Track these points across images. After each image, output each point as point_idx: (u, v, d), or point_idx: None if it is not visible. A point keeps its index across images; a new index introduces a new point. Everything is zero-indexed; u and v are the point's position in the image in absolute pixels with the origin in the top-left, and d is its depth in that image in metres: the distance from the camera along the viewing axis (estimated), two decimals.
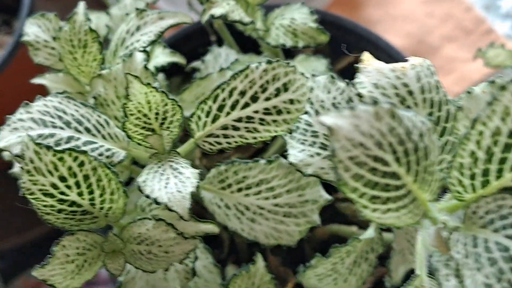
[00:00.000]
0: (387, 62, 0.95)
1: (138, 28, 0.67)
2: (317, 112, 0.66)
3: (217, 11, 0.69)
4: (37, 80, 0.68)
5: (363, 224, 0.89)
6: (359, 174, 0.44)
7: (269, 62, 0.61)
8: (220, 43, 0.95)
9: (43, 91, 1.26)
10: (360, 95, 0.52)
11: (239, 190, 0.70)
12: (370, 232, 0.74)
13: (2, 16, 1.13)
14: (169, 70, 0.96)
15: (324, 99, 0.66)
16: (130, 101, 0.60)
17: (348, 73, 0.97)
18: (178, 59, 0.73)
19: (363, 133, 0.43)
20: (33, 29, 0.70)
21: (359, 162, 0.44)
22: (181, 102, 0.75)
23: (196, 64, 0.84)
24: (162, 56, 0.71)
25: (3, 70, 1.03)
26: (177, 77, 0.97)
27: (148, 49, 0.66)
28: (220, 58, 0.80)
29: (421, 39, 1.34)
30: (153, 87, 0.60)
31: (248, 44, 0.87)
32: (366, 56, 0.53)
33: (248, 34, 0.77)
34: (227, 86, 0.61)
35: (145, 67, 0.63)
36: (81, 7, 0.66)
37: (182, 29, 0.92)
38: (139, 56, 0.63)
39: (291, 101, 0.62)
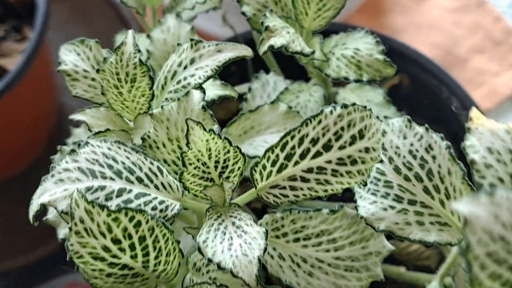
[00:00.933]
0: (437, 88, 0.89)
1: (192, 61, 0.59)
2: (391, 160, 0.59)
3: (277, 41, 0.62)
4: (77, 116, 0.60)
5: (409, 264, 0.83)
6: (497, 273, 0.37)
7: (344, 106, 0.54)
8: (256, 62, 0.88)
9: (56, 104, 1.17)
10: (473, 162, 0.45)
11: (296, 240, 0.63)
12: (434, 285, 0.68)
13: (12, 22, 1.05)
14: None
15: (399, 145, 0.59)
16: (190, 149, 0.53)
17: (390, 97, 0.90)
18: (230, 92, 0.66)
19: (504, 224, 0.37)
20: (71, 57, 0.62)
21: (498, 259, 0.37)
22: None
23: (240, 89, 0.77)
24: (212, 89, 0.64)
25: (17, 84, 0.95)
26: None
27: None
28: (268, 86, 0.73)
29: (448, 50, 1.28)
30: (216, 134, 0.53)
31: (288, 64, 0.80)
32: (476, 114, 0.46)
33: (304, 63, 0.70)
34: (297, 133, 0.55)
35: (203, 108, 0.56)
36: (130, 36, 0.59)
37: None
38: (197, 96, 0.56)
39: (367, 150, 0.55)
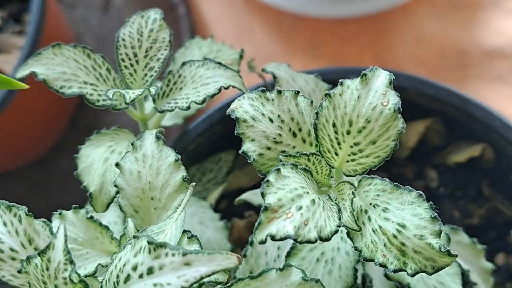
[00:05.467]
0: None
1: (150, 271, 0.41)
2: None
3: (281, 229, 0.43)
4: None
5: None
6: None
7: None
8: None
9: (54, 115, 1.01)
10: None
11: None
12: None
13: (10, 8, 0.86)
14: (217, 145, 0.71)
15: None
16: None
17: (468, 169, 0.69)
18: (217, 276, 0.48)
19: None
20: None
21: None
22: None
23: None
24: None
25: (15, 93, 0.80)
26: (228, 152, 0.71)
27: None
28: None
29: None
30: None
31: None
32: None
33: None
34: None
35: None
36: (60, 237, 0.41)
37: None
38: None
39: None
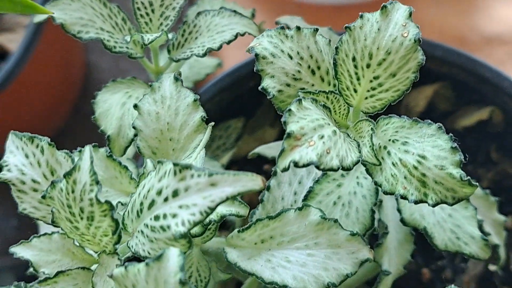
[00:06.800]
0: None
1: (175, 194, 0.41)
2: None
3: (304, 156, 0.43)
4: (19, 251, 0.44)
5: None
6: None
7: None
8: None
9: (82, 65, 1.02)
10: None
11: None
12: None
13: None
14: (226, 111, 0.71)
15: None
16: None
17: (476, 134, 0.70)
18: (237, 209, 0.48)
19: None
20: (18, 159, 0.45)
21: None
22: (240, 244, 0.51)
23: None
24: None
25: (20, 70, 0.80)
26: (237, 119, 0.71)
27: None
28: (295, 176, 0.54)
29: None
30: None
31: None
32: None
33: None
34: None
35: (182, 283, 0.39)
36: (86, 158, 0.41)
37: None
38: (173, 263, 0.39)
39: None
